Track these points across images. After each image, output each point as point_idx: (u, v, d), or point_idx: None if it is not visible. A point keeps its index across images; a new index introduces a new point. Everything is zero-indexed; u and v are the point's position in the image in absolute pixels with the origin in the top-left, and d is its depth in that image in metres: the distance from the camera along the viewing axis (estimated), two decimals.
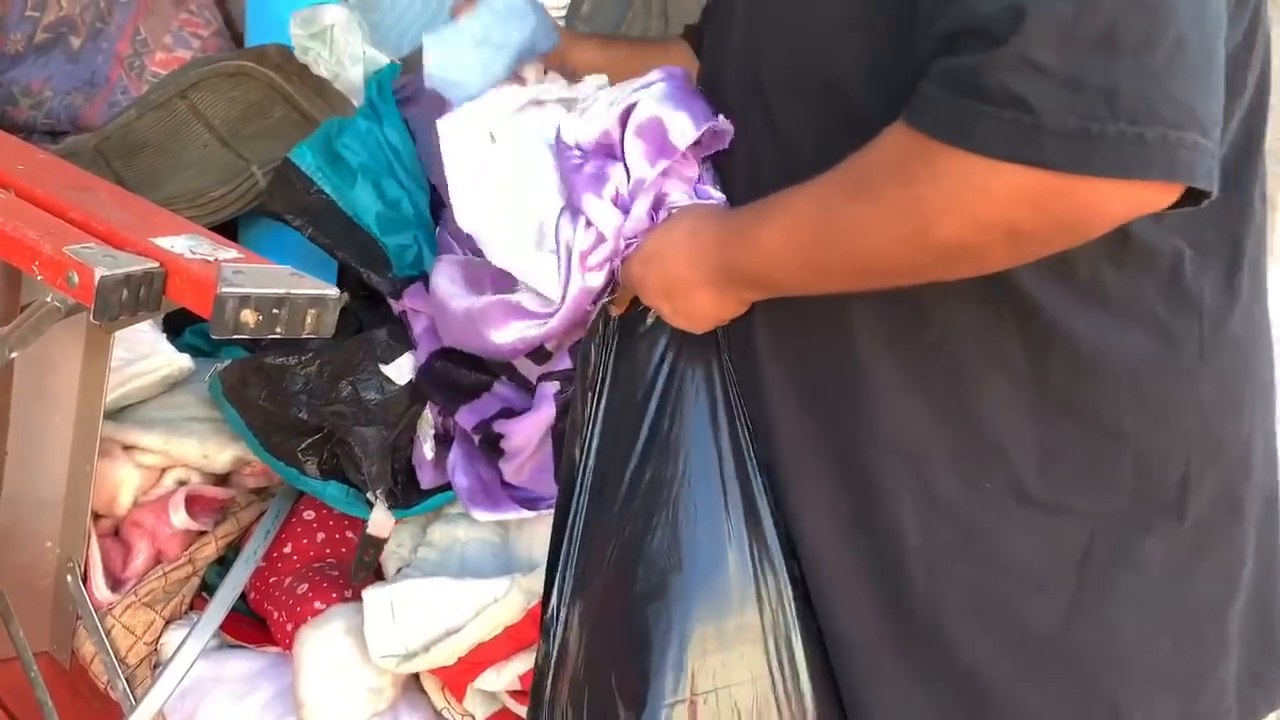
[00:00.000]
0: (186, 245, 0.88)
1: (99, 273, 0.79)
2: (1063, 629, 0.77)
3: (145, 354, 1.19)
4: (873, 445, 0.78)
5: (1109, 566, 0.77)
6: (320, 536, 1.14)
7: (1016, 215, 0.62)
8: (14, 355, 0.90)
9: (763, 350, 0.82)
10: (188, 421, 1.20)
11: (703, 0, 1.71)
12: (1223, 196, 0.74)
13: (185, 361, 1.21)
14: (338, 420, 1.09)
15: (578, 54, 1.06)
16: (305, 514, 1.16)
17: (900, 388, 0.77)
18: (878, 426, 0.78)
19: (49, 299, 0.85)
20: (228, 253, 0.89)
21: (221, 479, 1.22)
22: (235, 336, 0.83)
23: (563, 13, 1.64)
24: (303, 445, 1.10)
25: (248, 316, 0.81)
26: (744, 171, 0.86)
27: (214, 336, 0.82)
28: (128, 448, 1.15)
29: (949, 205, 0.63)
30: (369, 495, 1.05)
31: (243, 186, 1.37)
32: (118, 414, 1.18)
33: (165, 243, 0.88)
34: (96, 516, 1.15)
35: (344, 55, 1.43)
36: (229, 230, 1.38)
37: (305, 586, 1.09)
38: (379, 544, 1.13)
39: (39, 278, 0.83)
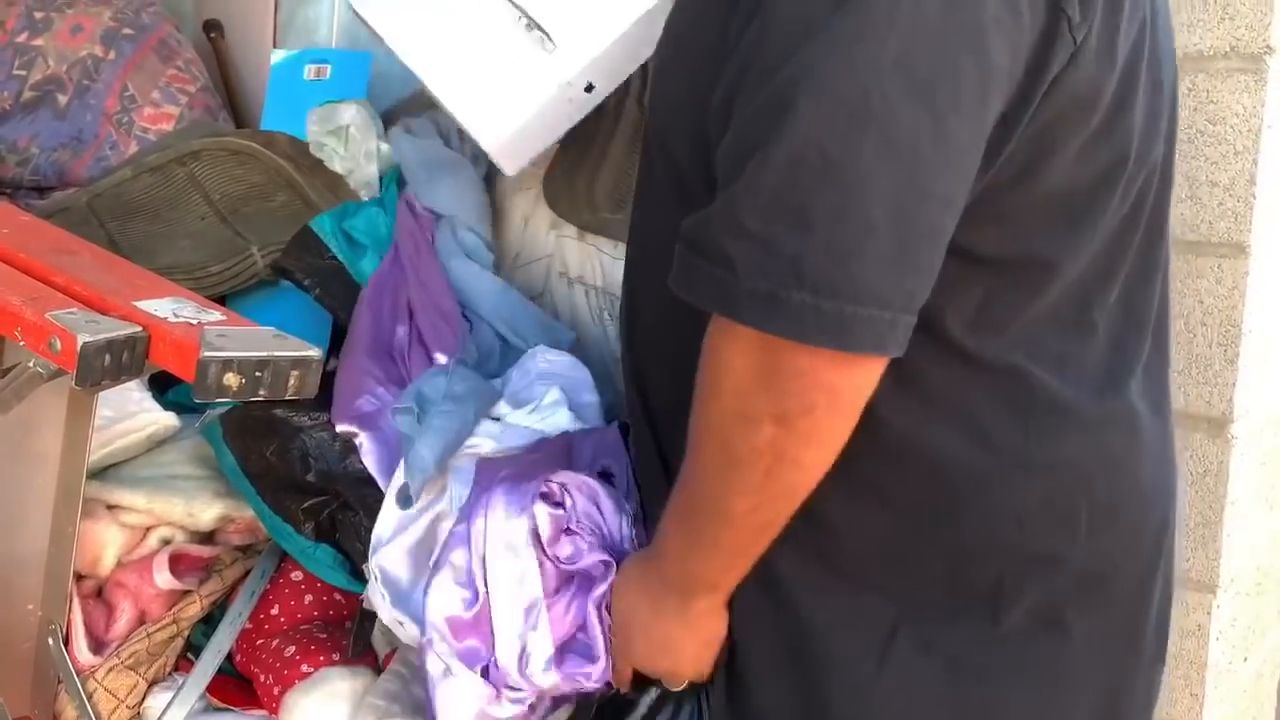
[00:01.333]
0: (170, 308, 0.88)
1: (81, 339, 0.79)
2: (857, 708, 0.77)
3: (131, 412, 1.18)
4: None
5: (913, 653, 0.77)
6: (308, 598, 1.13)
7: (737, 362, 0.67)
8: None
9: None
10: (172, 479, 1.19)
11: None
12: (1074, 318, 0.77)
13: (171, 420, 1.21)
14: (352, 488, 1.10)
15: None
16: (293, 575, 1.15)
17: None
18: None
19: (31, 364, 0.85)
20: (211, 315, 0.90)
21: (206, 536, 1.21)
22: (219, 400, 0.84)
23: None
24: (305, 505, 1.10)
25: (230, 380, 0.81)
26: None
27: (196, 400, 0.82)
28: (111, 507, 1.14)
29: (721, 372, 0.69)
30: (366, 567, 1.05)
31: (240, 264, 1.39)
32: (102, 473, 1.18)
33: (149, 306, 0.88)
34: (79, 577, 1.14)
35: (359, 152, 1.48)
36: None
37: (293, 649, 1.08)
38: (374, 617, 1.13)
39: (21, 343, 0.83)
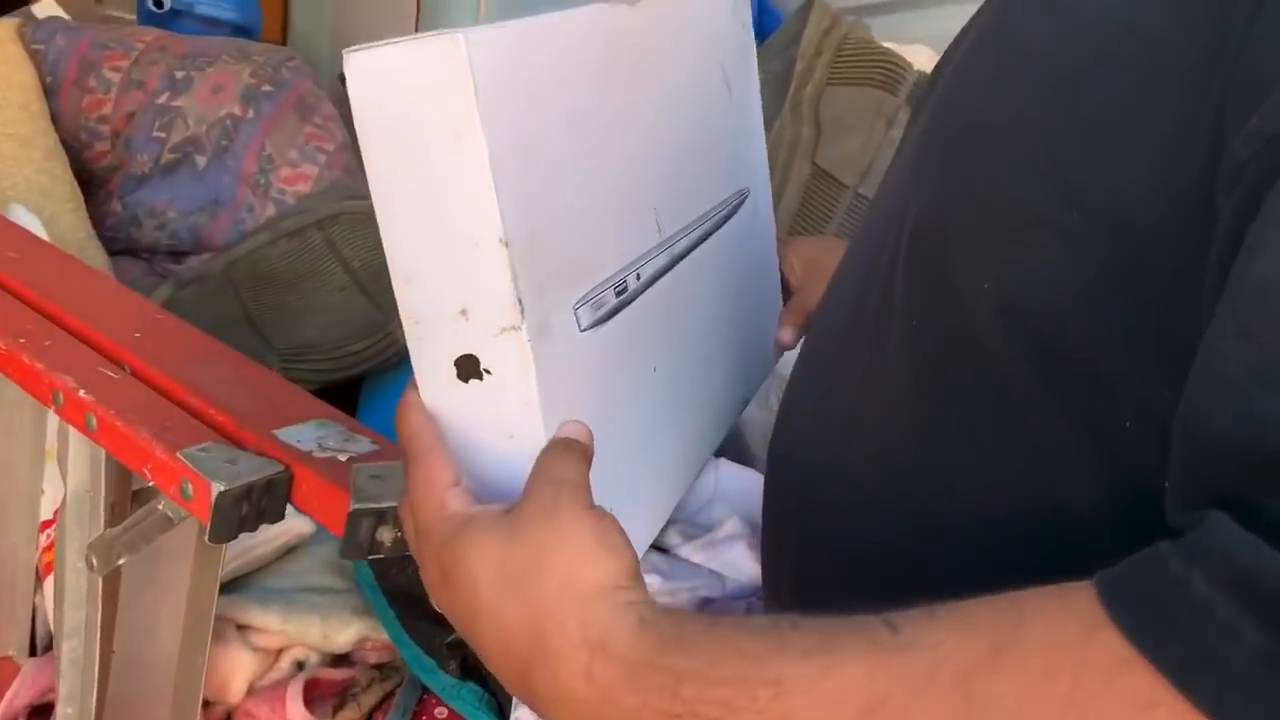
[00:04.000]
0: (314, 437, 0.77)
1: (216, 488, 0.68)
2: None
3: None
4: None
5: None
6: None
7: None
8: (122, 561, 0.79)
9: None
10: (306, 594, 1.08)
11: (853, 103, 1.58)
12: None
13: (306, 527, 1.11)
14: None
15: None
16: (437, 711, 1.03)
17: None
18: None
19: (161, 506, 0.74)
20: (359, 443, 0.78)
21: (341, 655, 1.10)
22: (370, 557, 0.72)
23: None
24: (449, 639, 0.97)
25: (384, 536, 0.69)
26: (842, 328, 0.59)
27: (343, 558, 0.70)
28: (242, 627, 1.04)
29: None
30: (513, 711, 0.92)
31: (381, 343, 1.29)
32: (231, 585, 1.08)
33: (291, 435, 0.77)
34: (205, 704, 1.04)
35: None
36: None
37: None
38: None
39: (150, 483, 0.73)
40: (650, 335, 0.63)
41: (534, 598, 0.43)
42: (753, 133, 0.81)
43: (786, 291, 0.88)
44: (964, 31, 0.59)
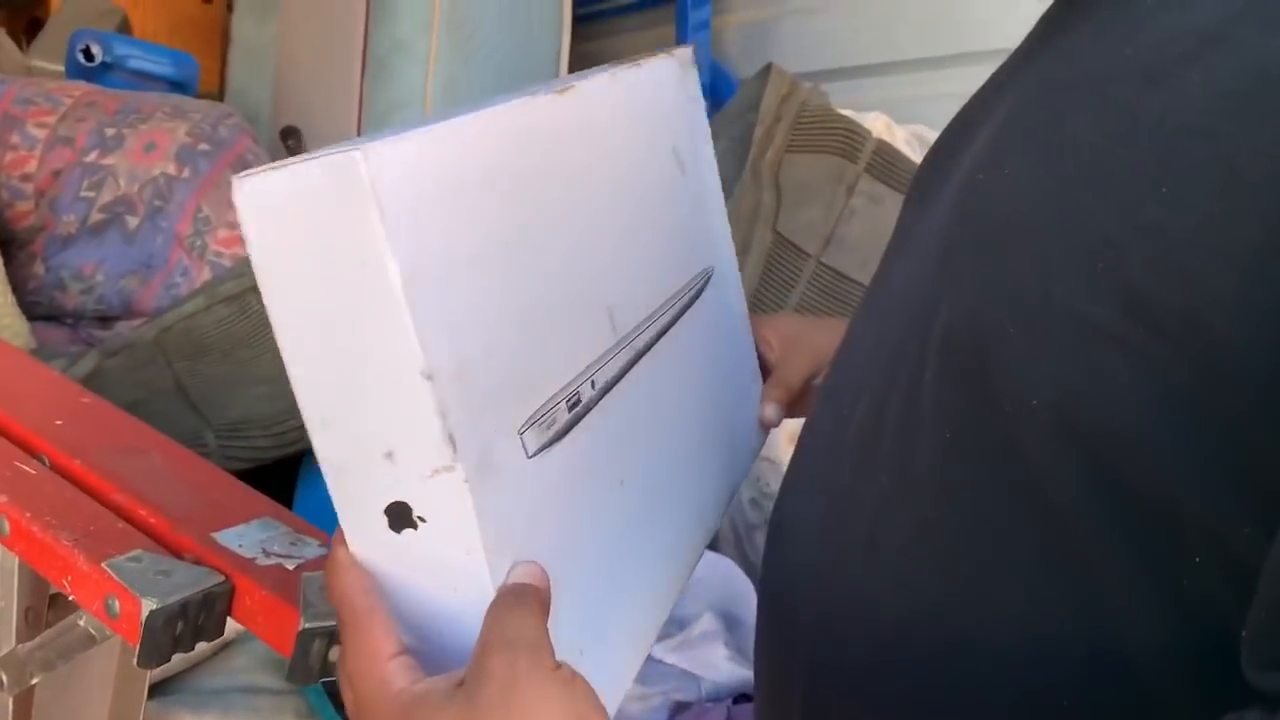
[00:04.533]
0: (258, 541, 0.70)
1: (147, 606, 0.60)
2: None
3: None
4: None
5: None
6: None
7: None
8: (36, 681, 0.71)
9: None
10: (244, 694, 1.00)
11: (813, 171, 1.55)
12: None
13: None
14: None
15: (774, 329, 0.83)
16: None
17: None
18: None
19: (82, 622, 0.67)
20: (308, 546, 0.71)
21: None
22: (320, 680, 0.65)
23: None
24: None
25: (337, 656, 0.62)
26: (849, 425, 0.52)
27: (289, 682, 0.63)
28: None
29: None
30: None
31: None
32: (162, 685, 0.99)
33: (232, 538, 0.69)
34: None
35: None
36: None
37: None
38: None
39: (71, 597, 0.65)
40: (613, 446, 0.57)
41: None
42: (712, 208, 0.78)
43: (764, 370, 0.84)
44: (967, 113, 0.56)
